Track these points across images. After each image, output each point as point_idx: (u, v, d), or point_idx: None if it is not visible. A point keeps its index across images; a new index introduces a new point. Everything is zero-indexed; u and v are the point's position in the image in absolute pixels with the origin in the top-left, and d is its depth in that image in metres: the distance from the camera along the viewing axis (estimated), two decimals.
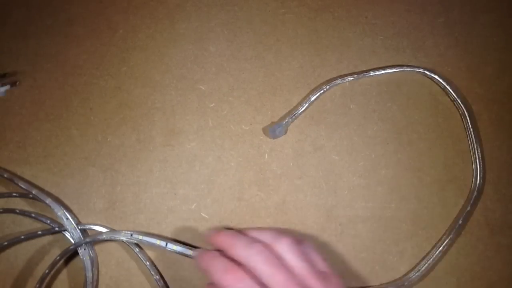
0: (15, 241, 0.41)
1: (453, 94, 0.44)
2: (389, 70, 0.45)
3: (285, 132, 0.43)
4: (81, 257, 0.40)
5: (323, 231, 0.42)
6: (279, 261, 0.33)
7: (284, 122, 0.42)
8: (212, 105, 0.44)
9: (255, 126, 0.44)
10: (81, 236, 0.41)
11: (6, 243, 0.40)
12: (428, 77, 0.45)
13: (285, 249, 0.34)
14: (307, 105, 0.43)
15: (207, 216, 0.42)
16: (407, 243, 0.42)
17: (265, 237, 0.35)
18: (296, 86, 0.45)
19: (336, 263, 0.42)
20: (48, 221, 0.41)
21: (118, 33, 0.45)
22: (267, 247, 0.34)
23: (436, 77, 0.44)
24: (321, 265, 0.36)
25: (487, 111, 0.45)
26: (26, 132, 0.43)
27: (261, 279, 0.32)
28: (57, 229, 0.41)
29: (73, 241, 0.41)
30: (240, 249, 0.34)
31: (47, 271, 0.39)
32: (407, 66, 0.45)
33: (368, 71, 0.45)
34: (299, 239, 0.36)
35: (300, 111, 0.43)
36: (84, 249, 0.41)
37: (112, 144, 0.43)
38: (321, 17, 0.46)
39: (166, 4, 0.46)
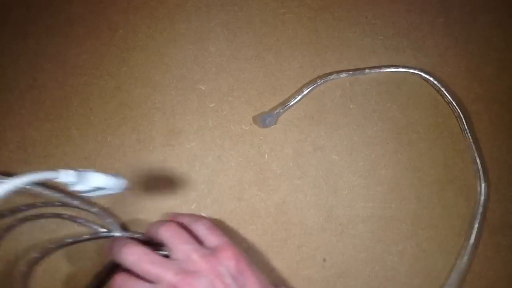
0: (61, 245, 0.41)
1: (448, 96, 0.44)
2: (384, 70, 0.45)
3: (275, 123, 0.43)
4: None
5: (323, 231, 0.42)
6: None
7: (275, 112, 0.42)
8: (212, 105, 0.44)
9: (255, 126, 0.44)
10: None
11: (52, 246, 0.40)
12: (423, 79, 0.45)
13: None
14: (299, 97, 0.43)
15: (207, 216, 0.42)
16: (407, 243, 0.42)
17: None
18: (296, 86, 0.45)
19: (336, 263, 0.42)
20: (94, 226, 0.41)
21: (118, 33, 0.45)
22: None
23: (431, 79, 0.44)
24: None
25: (486, 111, 0.45)
26: (26, 132, 0.43)
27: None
28: (103, 233, 0.41)
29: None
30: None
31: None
32: (403, 67, 0.45)
33: (364, 69, 0.45)
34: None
35: (292, 103, 0.43)
36: None
37: (112, 144, 0.43)
38: (321, 17, 0.46)
39: (166, 4, 0.46)
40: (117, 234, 0.41)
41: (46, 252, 0.40)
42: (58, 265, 0.41)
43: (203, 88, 0.45)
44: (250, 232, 0.42)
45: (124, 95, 0.44)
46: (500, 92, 0.45)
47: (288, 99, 0.44)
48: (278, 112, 0.43)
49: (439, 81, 0.44)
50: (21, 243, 0.41)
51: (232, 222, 0.42)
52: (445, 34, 0.46)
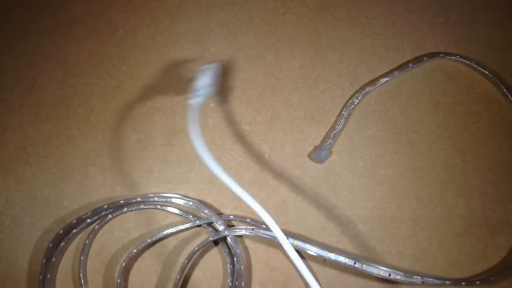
0: (161, 236, 0.41)
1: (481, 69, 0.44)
2: (418, 64, 0.45)
3: (330, 154, 0.43)
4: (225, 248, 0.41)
5: (323, 231, 0.42)
6: None
7: (327, 144, 0.42)
8: (212, 105, 0.44)
9: (255, 126, 0.44)
10: (224, 229, 0.41)
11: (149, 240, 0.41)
12: (462, 62, 0.45)
13: None
14: (343, 120, 0.43)
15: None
16: (407, 243, 0.42)
17: None
18: (296, 86, 0.45)
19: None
20: (190, 216, 0.42)
21: (118, 33, 0.45)
22: None
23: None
24: None
25: (487, 111, 0.45)
26: (26, 132, 0.43)
27: None
28: (198, 222, 0.41)
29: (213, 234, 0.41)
30: None
31: (185, 261, 0.40)
32: (445, 53, 0.45)
33: (392, 71, 0.45)
34: None
35: (338, 130, 0.43)
36: (225, 242, 0.41)
37: (112, 144, 0.43)
38: (321, 17, 0.46)
39: (166, 4, 0.46)
40: (218, 224, 0.40)
41: (144, 244, 0.41)
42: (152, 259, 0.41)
43: None
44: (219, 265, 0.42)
45: (124, 95, 0.44)
46: (500, 92, 0.45)
47: (333, 127, 0.43)
48: (329, 143, 0.43)
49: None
50: (120, 235, 0.42)
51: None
52: (445, 34, 0.46)
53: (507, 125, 0.45)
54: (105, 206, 0.41)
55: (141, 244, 0.40)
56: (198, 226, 0.42)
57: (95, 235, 0.41)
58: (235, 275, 0.40)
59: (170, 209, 0.42)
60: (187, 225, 0.41)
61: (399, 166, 0.44)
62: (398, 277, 0.39)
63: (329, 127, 0.44)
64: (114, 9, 0.46)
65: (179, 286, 0.39)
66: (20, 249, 0.41)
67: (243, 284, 0.40)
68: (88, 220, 0.41)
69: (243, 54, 0.45)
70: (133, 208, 0.42)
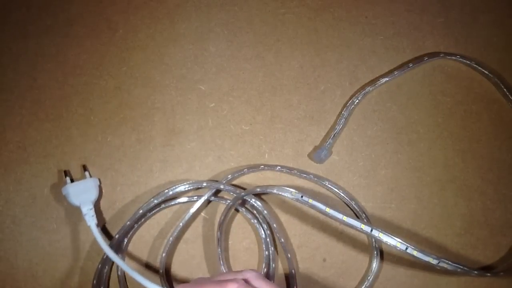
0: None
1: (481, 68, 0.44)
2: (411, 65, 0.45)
3: (330, 154, 0.43)
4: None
5: (323, 231, 0.42)
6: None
7: (327, 144, 0.42)
8: (212, 105, 0.44)
9: (255, 126, 0.44)
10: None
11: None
12: (465, 64, 0.45)
13: (252, 277, 0.33)
14: (343, 120, 0.43)
15: (207, 216, 0.42)
16: (407, 243, 0.42)
17: (229, 275, 0.34)
18: (296, 86, 0.45)
19: (336, 263, 0.42)
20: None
21: (118, 33, 0.45)
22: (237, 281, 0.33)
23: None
24: None
25: (487, 111, 0.45)
26: (26, 132, 0.43)
27: None
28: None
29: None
30: None
31: (222, 217, 0.41)
32: (445, 53, 0.45)
33: (392, 71, 0.45)
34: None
35: (338, 130, 0.43)
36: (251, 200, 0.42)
37: (112, 144, 0.43)
38: (321, 17, 0.46)
39: (166, 4, 0.46)
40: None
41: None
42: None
43: (203, 88, 0.45)
44: (251, 232, 0.42)
45: (124, 95, 0.44)
46: (500, 92, 0.45)
47: (333, 127, 0.43)
48: (328, 143, 0.42)
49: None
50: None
51: (232, 222, 0.42)
52: (445, 34, 0.46)
53: (507, 125, 0.45)
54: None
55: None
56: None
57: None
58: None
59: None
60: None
61: (399, 166, 0.44)
62: (414, 252, 0.38)
63: (329, 127, 0.44)
64: (114, 9, 0.46)
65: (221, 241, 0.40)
66: (20, 249, 0.41)
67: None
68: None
69: (243, 54, 0.45)
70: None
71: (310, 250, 0.42)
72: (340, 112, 0.44)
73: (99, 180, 0.42)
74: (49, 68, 0.44)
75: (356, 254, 0.42)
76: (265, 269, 0.41)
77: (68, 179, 0.42)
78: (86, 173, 0.42)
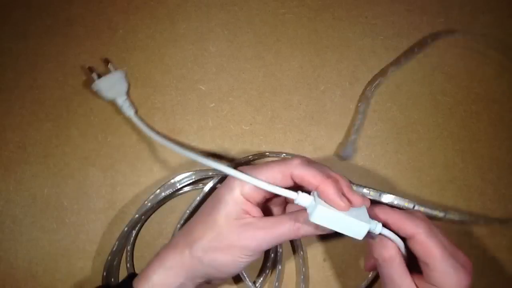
0: None
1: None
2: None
3: (356, 150, 0.43)
4: None
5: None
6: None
7: (351, 140, 0.43)
8: (212, 105, 0.44)
9: (255, 126, 0.44)
10: None
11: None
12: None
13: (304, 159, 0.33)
14: (361, 116, 0.43)
15: None
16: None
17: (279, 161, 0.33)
18: (296, 86, 0.45)
19: (336, 263, 0.42)
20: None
21: (118, 33, 0.45)
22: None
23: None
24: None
25: (487, 111, 0.45)
26: (26, 132, 0.43)
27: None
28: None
29: None
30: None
31: None
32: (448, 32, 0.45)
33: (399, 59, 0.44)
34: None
35: (358, 124, 0.43)
36: None
37: (112, 144, 0.43)
38: (321, 17, 0.46)
39: (166, 4, 0.46)
40: None
41: None
42: None
43: (203, 88, 0.45)
44: None
45: None
46: (500, 92, 0.45)
47: (353, 122, 0.43)
48: (354, 138, 0.42)
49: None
50: None
51: None
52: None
53: (507, 125, 0.45)
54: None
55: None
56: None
57: None
58: None
59: None
60: None
61: (399, 166, 0.44)
62: (422, 208, 0.41)
63: (329, 127, 0.44)
64: (114, 9, 0.46)
65: None
66: (20, 249, 0.41)
67: None
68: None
69: (243, 54, 0.45)
70: None
71: (310, 250, 0.42)
72: (356, 108, 0.44)
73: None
74: (49, 68, 0.44)
75: (356, 254, 0.42)
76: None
77: (95, 74, 0.42)
78: (110, 66, 0.43)
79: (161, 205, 0.42)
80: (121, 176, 0.43)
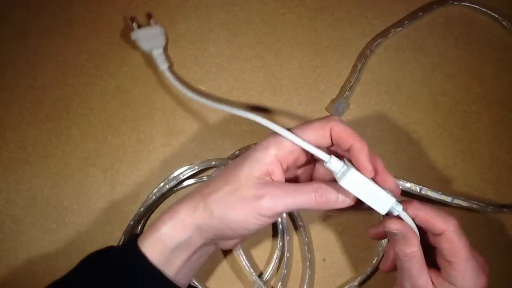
0: None
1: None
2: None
3: (348, 106, 0.42)
4: None
5: (323, 231, 0.42)
6: None
7: (344, 97, 0.42)
8: None
9: (255, 126, 0.44)
10: None
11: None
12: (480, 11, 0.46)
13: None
14: (357, 74, 0.43)
15: None
16: None
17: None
18: (296, 86, 0.45)
19: (336, 263, 0.42)
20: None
21: (118, 33, 0.45)
22: None
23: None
24: None
25: (487, 111, 0.45)
26: (26, 132, 0.43)
27: None
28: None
29: None
30: None
31: None
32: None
33: (403, 21, 0.45)
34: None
35: (353, 81, 0.43)
36: None
37: (112, 144, 0.43)
38: (321, 17, 0.46)
39: (166, 4, 0.46)
40: None
41: None
42: None
43: (203, 88, 0.45)
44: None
45: (124, 95, 0.44)
46: (500, 92, 0.45)
47: (349, 79, 0.43)
48: (346, 95, 0.42)
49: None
50: None
51: None
52: (445, 34, 0.46)
53: (507, 125, 0.45)
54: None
55: None
56: None
57: None
58: None
59: None
60: None
61: (399, 166, 0.44)
62: (429, 192, 0.41)
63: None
64: (114, 9, 0.46)
65: None
66: (20, 249, 0.41)
67: None
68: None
69: (243, 54, 0.45)
70: None
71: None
72: (355, 64, 0.44)
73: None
74: (49, 68, 0.44)
75: (356, 254, 0.42)
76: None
77: (135, 24, 0.43)
78: (152, 21, 0.44)
79: (166, 198, 0.42)
80: (121, 176, 0.43)
